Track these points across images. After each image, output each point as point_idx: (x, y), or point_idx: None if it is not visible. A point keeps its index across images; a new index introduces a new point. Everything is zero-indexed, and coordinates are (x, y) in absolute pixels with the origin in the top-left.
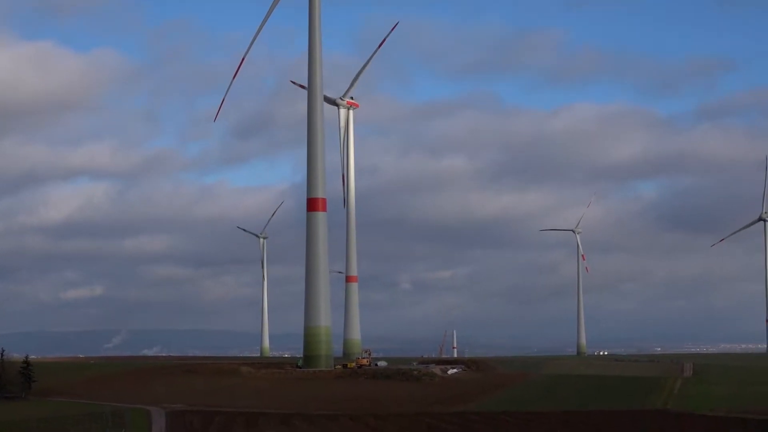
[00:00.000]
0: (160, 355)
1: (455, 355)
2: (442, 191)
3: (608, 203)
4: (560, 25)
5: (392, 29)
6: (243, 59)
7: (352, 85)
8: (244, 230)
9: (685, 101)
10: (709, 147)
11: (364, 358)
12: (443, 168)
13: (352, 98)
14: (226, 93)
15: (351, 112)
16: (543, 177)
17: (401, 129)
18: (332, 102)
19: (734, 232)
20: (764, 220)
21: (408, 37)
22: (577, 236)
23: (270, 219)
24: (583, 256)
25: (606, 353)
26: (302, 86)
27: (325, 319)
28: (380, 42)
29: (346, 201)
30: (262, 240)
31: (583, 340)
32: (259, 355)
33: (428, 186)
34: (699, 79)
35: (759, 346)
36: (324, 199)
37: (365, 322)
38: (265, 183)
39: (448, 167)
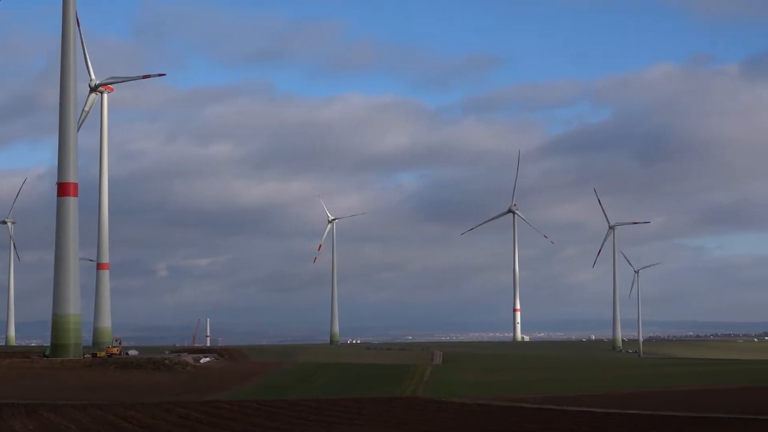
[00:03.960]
0: None
1: (208, 344)
2: (207, 178)
3: (370, 193)
4: (339, 17)
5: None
6: None
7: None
8: None
9: (454, 95)
10: (473, 139)
11: (114, 347)
12: (210, 154)
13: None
14: None
15: (106, 95)
16: (309, 166)
17: (170, 114)
18: (92, 88)
19: (483, 223)
20: (513, 213)
21: (185, 24)
22: (331, 225)
23: (14, 202)
24: (319, 246)
25: (358, 341)
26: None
27: (74, 307)
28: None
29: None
30: (10, 224)
31: (337, 329)
32: (3, 344)
33: (193, 172)
34: (469, 74)
35: (507, 334)
36: (75, 184)
37: (119, 310)
38: (25, 167)
39: (215, 154)
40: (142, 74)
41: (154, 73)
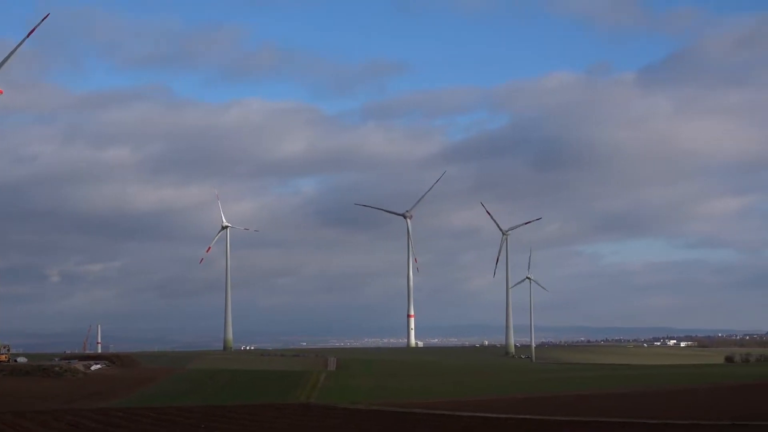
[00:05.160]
0: None
1: (99, 351)
2: (103, 183)
3: (268, 198)
4: (241, 22)
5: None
6: None
7: None
8: None
9: (354, 101)
10: (371, 145)
11: (1, 354)
12: (106, 159)
13: None
14: None
15: None
16: (207, 171)
17: (67, 118)
18: None
19: (377, 208)
20: (405, 218)
21: (85, 26)
22: (224, 231)
23: None
24: (209, 248)
25: (252, 348)
26: None
27: None
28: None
29: None
30: None
31: (230, 335)
32: None
33: (89, 177)
34: (370, 80)
35: (401, 340)
36: None
37: (9, 316)
38: None
39: (112, 158)
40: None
41: None
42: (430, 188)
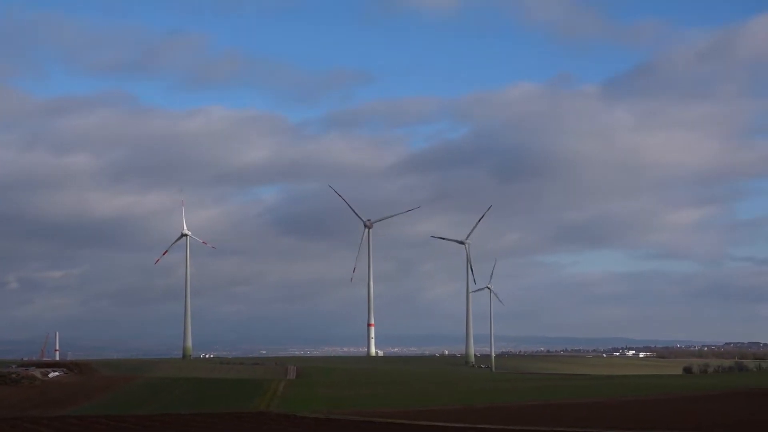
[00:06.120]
0: None
1: (57, 358)
2: (63, 189)
3: (228, 207)
4: (207, 30)
5: None
6: None
7: None
8: None
9: (318, 110)
10: (334, 154)
11: None
12: (67, 165)
13: None
14: None
15: None
16: (168, 178)
17: (28, 124)
18: None
19: (346, 203)
20: (367, 227)
21: (47, 32)
22: (184, 239)
23: None
24: (165, 251)
25: (212, 356)
26: None
27: None
28: None
29: None
30: None
31: (189, 343)
32: None
33: (49, 183)
34: (335, 89)
35: (361, 348)
36: None
37: None
38: None
39: (72, 165)
40: None
41: None
42: (399, 213)
